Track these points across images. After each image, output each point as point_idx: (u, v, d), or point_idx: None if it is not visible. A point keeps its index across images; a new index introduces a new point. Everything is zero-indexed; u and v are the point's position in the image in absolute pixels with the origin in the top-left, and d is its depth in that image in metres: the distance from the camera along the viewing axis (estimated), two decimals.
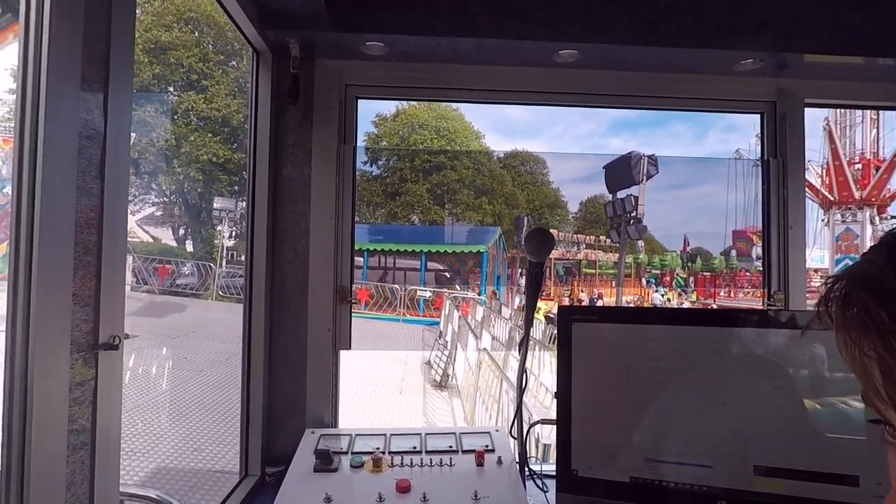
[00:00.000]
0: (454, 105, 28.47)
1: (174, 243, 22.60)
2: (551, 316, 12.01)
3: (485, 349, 8.01)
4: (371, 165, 27.96)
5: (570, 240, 24.00)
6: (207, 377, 8.02)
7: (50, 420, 0.75)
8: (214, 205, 21.34)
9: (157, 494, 1.32)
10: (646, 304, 18.24)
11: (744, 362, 1.17)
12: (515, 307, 14.79)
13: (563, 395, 1.24)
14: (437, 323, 12.41)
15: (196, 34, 21.54)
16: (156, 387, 7.30)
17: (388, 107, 29.69)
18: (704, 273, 25.76)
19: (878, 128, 21.81)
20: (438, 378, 9.01)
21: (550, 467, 1.40)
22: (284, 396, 1.54)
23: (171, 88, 21.43)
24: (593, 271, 24.58)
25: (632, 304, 17.35)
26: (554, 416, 1.26)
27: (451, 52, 1.49)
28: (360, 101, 1.68)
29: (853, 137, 22.47)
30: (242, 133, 19.67)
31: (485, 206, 27.47)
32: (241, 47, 20.90)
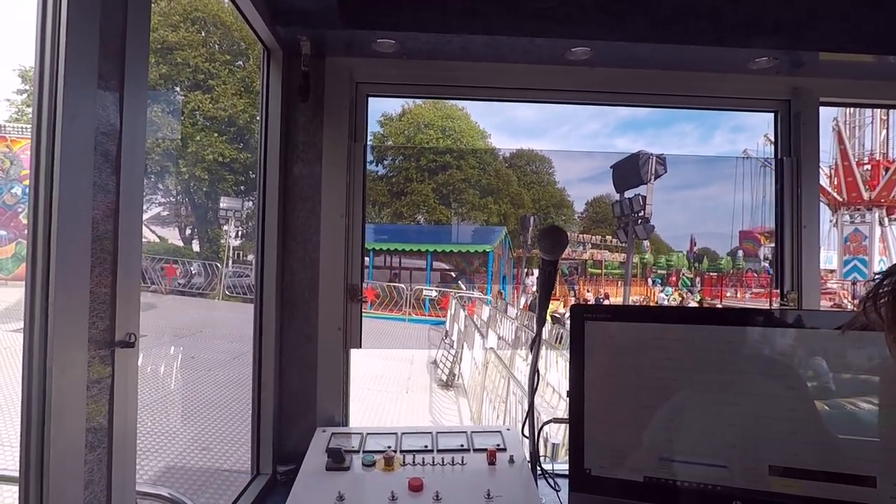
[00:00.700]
0: (460, 105, 28.57)
1: (181, 243, 22.71)
2: (557, 315, 11.98)
3: (491, 348, 8.00)
4: (377, 165, 28.01)
5: (576, 240, 23.94)
6: (215, 376, 8.04)
7: (68, 418, 0.75)
8: (220, 204, 21.42)
9: (168, 493, 1.31)
10: (651, 304, 18.16)
11: (758, 362, 1.16)
12: (521, 307, 14.77)
13: (576, 393, 1.24)
14: (443, 322, 12.41)
15: (203, 34, 21.64)
16: (164, 386, 7.33)
17: (394, 107, 29.78)
18: (711, 273, 25.63)
19: (887, 128, 21.66)
20: (445, 377, 9.01)
21: (560, 466, 1.40)
22: (295, 395, 1.54)
23: (178, 88, 21.53)
24: (599, 271, 24.52)
25: (638, 304, 17.27)
26: (562, 414, 1.25)
27: (462, 49, 1.48)
28: (370, 99, 1.66)
29: (862, 138, 22.32)
30: (248, 133, 19.96)
31: (490, 205, 27.46)
32: (247, 47, 20.98)
